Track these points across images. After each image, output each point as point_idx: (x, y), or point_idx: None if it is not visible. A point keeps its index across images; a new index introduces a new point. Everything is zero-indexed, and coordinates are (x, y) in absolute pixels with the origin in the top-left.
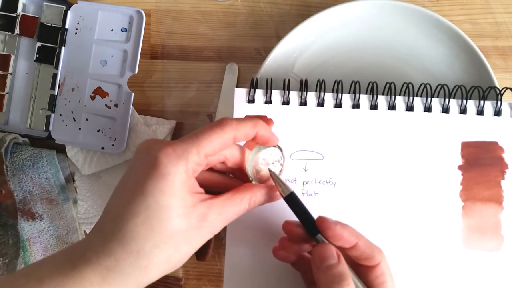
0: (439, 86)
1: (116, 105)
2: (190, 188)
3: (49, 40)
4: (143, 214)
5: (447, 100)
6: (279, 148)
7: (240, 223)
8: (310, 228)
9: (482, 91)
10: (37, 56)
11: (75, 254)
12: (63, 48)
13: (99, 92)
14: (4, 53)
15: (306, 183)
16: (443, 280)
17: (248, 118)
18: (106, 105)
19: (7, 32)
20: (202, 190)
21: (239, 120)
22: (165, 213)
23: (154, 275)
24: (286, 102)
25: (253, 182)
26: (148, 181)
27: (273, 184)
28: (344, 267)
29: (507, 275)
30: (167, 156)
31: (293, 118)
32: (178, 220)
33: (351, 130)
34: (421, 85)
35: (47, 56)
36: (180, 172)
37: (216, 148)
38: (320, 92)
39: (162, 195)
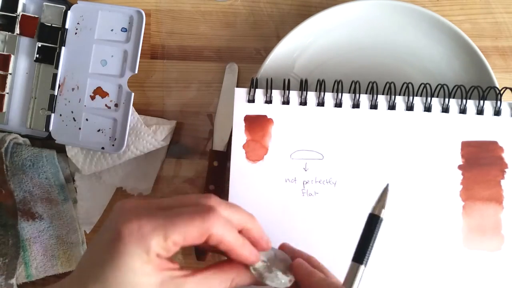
0: (439, 86)
1: (116, 105)
2: (157, 266)
3: (49, 40)
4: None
5: (447, 99)
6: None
7: None
8: None
9: (482, 91)
10: (37, 56)
11: None
12: (63, 48)
13: (99, 92)
14: (4, 53)
15: (306, 182)
16: (444, 280)
17: (240, 211)
18: (106, 105)
19: (7, 32)
20: (174, 266)
21: (230, 210)
22: None
23: None
24: (286, 102)
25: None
26: (106, 253)
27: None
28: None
29: (508, 275)
30: (130, 233)
31: (293, 117)
32: None
33: (351, 129)
34: (421, 85)
35: (47, 56)
36: (140, 253)
37: (188, 239)
38: (320, 91)
39: (119, 272)
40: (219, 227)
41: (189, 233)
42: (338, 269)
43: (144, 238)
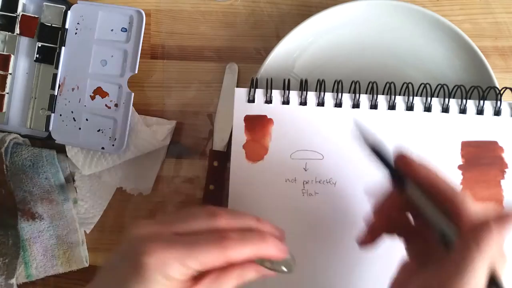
0: (439, 86)
1: (116, 105)
2: (173, 287)
3: (49, 40)
4: None
5: (447, 99)
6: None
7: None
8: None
9: (481, 91)
10: (37, 56)
11: None
12: (63, 48)
13: (99, 92)
14: (4, 53)
15: (306, 182)
16: None
17: (254, 239)
18: (106, 105)
19: (7, 32)
20: (187, 283)
21: (243, 241)
22: None
23: None
24: (286, 102)
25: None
26: (129, 280)
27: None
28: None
29: (508, 274)
30: (154, 262)
31: (293, 117)
32: None
33: (351, 129)
34: (420, 85)
35: (47, 56)
36: (161, 279)
37: (207, 266)
38: (320, 91)
39: None
40: (236, 252)
41: (207, 261)
42: (338, 268)
43: (166, 266)
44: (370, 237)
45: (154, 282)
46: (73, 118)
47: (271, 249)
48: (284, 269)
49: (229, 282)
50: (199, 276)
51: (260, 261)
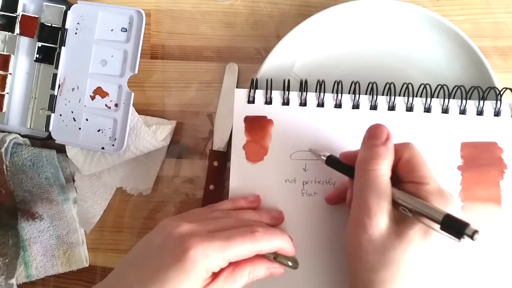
0: (439, 87)
1: (116, 105)
2: (204, 280)
3: (49, 40)
4: None
5: (446, 100)
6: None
7: None
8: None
9: (481, 91)
10: (37, 56)
11: None
12: (63, 48)
13: (99, 92)
14: (4, 53)
15: (306, 183)
16: (442, 279)
17: (277, 233)
18: (106, 105)
19: (7, 32)
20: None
21: (269, 234)
22: None
23: None
24: (286, 103)
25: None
26: (171, 270)
27: (273, 258)
28: (384, 150)
29: (506, 274)
30: (197, 255)
31: (293, 118)
32: None
33: (351, 130)
34: (420, 85)
35: (47, 56)
36: (202, 271)
37: (240, 257)
38: (320, 92)
39: (178, 285)
40: (265, 244)
41: (241, 252)
42: (338, 269)
43: (208, 258)
44: (333, 201)
45: (195, 272)
46: (73, 118)
47: (289, 244)
48: (292, 264)
49: (242, 277)
50: (216, 274)
51: (274, 255)
